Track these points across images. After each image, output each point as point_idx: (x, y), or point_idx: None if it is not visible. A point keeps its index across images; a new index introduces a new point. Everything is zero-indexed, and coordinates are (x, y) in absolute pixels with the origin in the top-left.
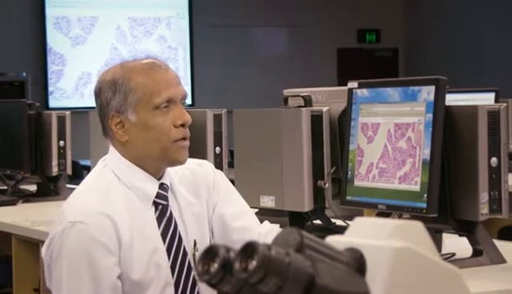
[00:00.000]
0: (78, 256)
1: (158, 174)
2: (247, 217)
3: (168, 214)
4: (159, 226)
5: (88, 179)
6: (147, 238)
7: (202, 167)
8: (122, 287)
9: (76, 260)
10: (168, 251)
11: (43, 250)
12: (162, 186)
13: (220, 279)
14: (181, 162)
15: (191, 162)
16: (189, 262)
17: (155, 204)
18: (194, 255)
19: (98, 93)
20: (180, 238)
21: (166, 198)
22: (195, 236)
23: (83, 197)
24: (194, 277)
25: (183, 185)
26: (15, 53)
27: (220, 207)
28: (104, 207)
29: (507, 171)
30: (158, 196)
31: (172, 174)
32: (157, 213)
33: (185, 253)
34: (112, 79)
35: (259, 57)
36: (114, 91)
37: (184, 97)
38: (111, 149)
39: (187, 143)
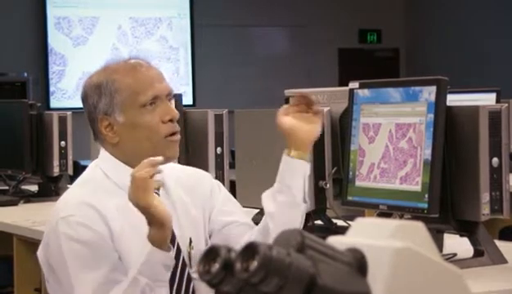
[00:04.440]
0: (76, 244)
1: None
2: (245, 225)
3: None
4: None
5: (78, 179)
6: (140, 234)
7: (200, 174)
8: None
9: (75, 248)
10: None
11: (40, 252)
12: None
13: (221, 279)
14: (173, 157)
15: (190, 171)
16: (183, 259)
17: None
18: (189, 252)
19: (85, 99)
20: (173, 235)
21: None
22: (190, 234)
23: (69, 194)
24: (189, 273)
25: (179, 186)
26: (16, 53)
27: (217, 215)
28: (90, 199)
29: (508, 171)
30: None
31: (166, 177)
32: None
33: (179, 250)
34: (96, 83)
35: (260, 57)
36: (99, 94)
37: (170, 93)
38: (102, 151)
39: (178, 137)
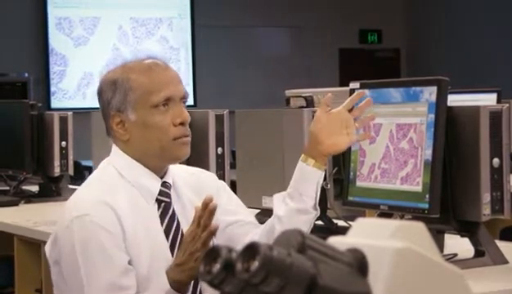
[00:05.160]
0: (89, 244)
1: (160, 172)
2: (249, 224)
3: (170, 212)
4: (161, 223)
5: (90, 177)
6: (151, 234)
7: (205, 174)
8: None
9: (88, 249)
10: (172, 247)
11: (48, 248)
12: (164, 184)
13: (222, 280)
14: (182, 158)
15: (194, 170)
16: None
17: (158, 201)
18: None
19: (100, 94)
20: (183, 235)
21: (169, 196)
22: None
23: (83, 192)
24: None
25: (187, 187)
26: (17, 54)
27: (221, 215)
28: (105, 198)
29: (509, 171)
30: (160, 193)
31: (175, 177)
32: (160, 210)
33: None
34: (112, 79)
35: (261, 57)
36: (114, 90)
37: (184, 96)
38: (114, 147)
39: (188, 139)
